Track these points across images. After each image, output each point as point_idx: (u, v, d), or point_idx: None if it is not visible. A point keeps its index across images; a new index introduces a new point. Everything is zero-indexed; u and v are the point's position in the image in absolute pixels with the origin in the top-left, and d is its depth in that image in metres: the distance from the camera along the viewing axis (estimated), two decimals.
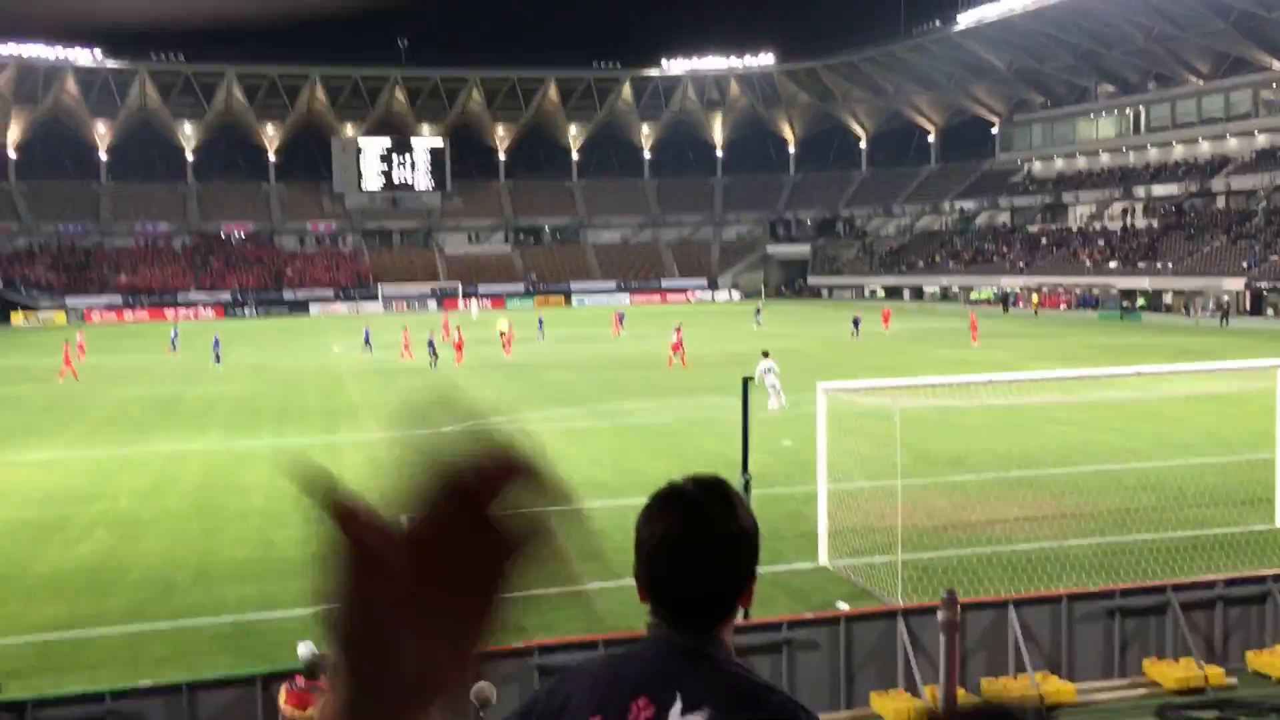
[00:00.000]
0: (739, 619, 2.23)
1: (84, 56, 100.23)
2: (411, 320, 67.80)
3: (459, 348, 46.69)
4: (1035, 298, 78.25)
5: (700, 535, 2.08)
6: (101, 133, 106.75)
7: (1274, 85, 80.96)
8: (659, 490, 2.16)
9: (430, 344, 45.74)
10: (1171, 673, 11.71)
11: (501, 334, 52.46)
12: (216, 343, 49.19)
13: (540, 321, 62.15)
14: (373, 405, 34.14)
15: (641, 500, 2.21)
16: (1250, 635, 12.49)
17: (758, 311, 68.82)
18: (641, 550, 2.12)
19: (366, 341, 53.59)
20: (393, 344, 52.14)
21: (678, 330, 45.06)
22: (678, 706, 1.98)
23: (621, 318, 64.90)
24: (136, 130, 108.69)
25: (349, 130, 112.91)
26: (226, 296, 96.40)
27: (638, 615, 2.13)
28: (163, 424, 30.98)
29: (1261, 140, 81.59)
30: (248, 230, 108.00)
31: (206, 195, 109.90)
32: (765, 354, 32.06)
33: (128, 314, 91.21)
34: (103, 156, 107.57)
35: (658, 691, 2.01)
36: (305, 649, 10.64)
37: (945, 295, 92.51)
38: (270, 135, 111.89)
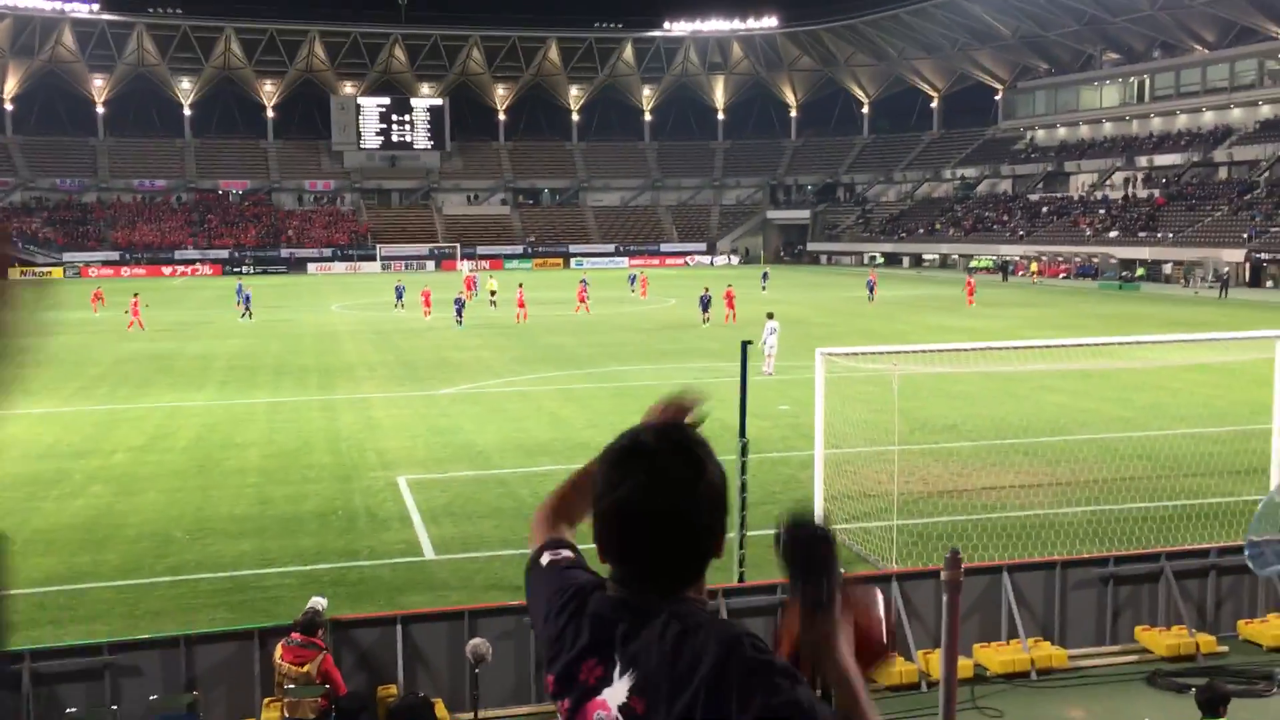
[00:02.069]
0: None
1: (81, 9, 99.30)
2: (427, 280, 67.45)
3: (521, 305, 47.60)
4: (1034, 266, 78.11)
5: (665, 499, 1.87)
6: (98, 86, 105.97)
7: (1279, 55, 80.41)
8: (618, 442, 1.95)
9: (458, 302, 46.01)
10: (1163, 640, 11.78)
11: (492, 292, 53.89)
12: (248, 298, 49.66)
13: (585, 282, 60.27)
14: (369, 364, 34.14)
15: None
16: (1242, 604, 12.57)
17: (764, 275, 68.93)
18: (600, 509, 1.93)
19: (399, 297, 54.75)
20: (414, 303, 52.36)
21: (728, 290, 47.05)
22: (618, 668, 1.90)
23: (632, 280, 64.85)
24: (134, 85, 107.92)
25: (348, 88, 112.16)
26: (224, 254, 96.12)
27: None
28: (159, 380, 30.97)
29: (1265, 110, 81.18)
30: (245, 187, 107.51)
31: (204, 152, 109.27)
32: (770, 315, 32.07)
33: (125, 270, 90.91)
34: (100, 111, 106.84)
35: (606, 653, 1.93)
36: (313, 602, 10.66)
37: (945, 263, 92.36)
38: (269, 92, 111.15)
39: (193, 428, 24.08)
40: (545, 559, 2.22)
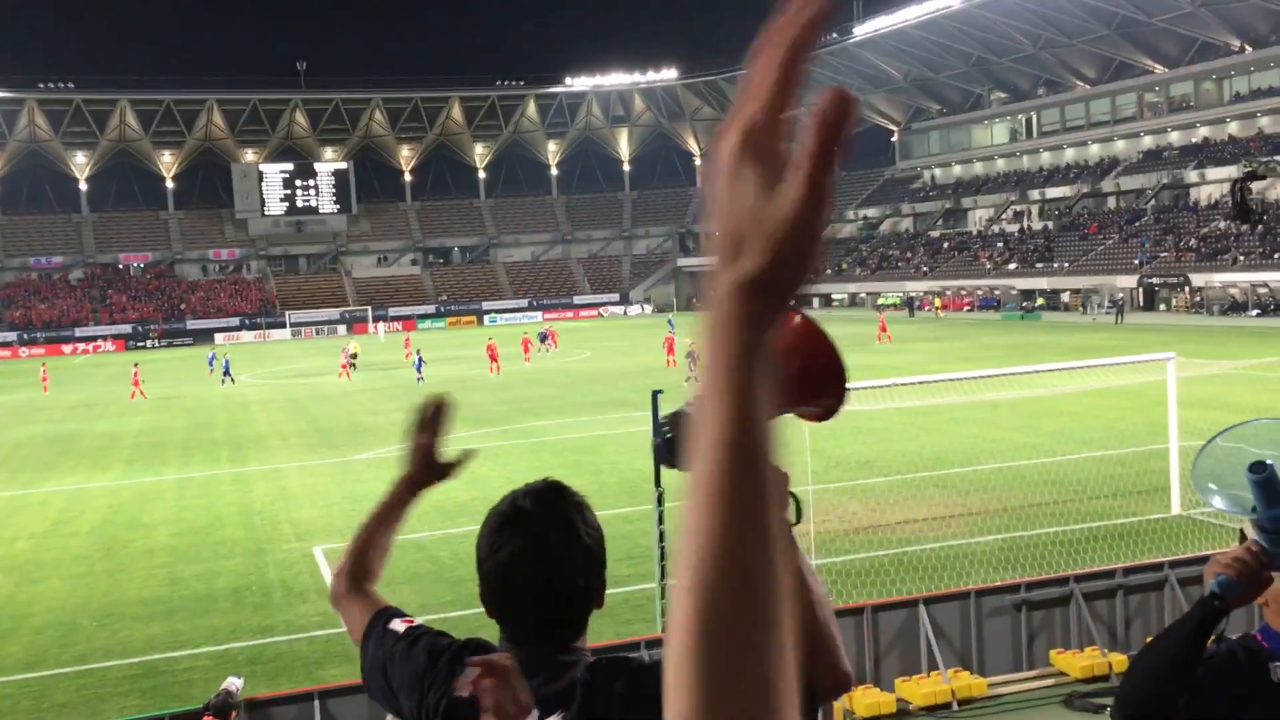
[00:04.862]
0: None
1: None
2: (339, 344, 66.86)
3: (493, 358, 48.21)
4: (938, 301, 79.90)
5: (542, 566, 1.99)
6: None
7: (1156, 88, 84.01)
8: (498, 506, 2.07)
9: (418, 360, 46.47)
10: (1077, 662, 12.03)
11: (353, 356, 52.99)
12: (226, 364, 49.85)
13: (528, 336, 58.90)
14: (281, 434, 33.52)
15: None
16: (1150, 622, 12.88)
17: (670, 323, 69.36)
18: (484, 573, 2.06)
19: (353, 359, 54.60)
20: (332, 368, 52.58)
21: (669, 337, 48.78)
22: (535, 715, 1.99)
23: (544, 335, 64.70)
24: (26, 161, 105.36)
25: (249, 155, 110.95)
26: (127, 329, 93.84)
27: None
28: (62, 462, 30.03)
29: (1147, 141, 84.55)
30: (147, 260, 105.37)
31: (102, 226, 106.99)
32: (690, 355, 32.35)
33: (23, 351, 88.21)
34: None
35: None
36: (227, 683, 10.39)
37: (854, 301, 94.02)
38: (167, 163, 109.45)
39: (98, 509, 23.38)
40: (399, 625, 2.29)
